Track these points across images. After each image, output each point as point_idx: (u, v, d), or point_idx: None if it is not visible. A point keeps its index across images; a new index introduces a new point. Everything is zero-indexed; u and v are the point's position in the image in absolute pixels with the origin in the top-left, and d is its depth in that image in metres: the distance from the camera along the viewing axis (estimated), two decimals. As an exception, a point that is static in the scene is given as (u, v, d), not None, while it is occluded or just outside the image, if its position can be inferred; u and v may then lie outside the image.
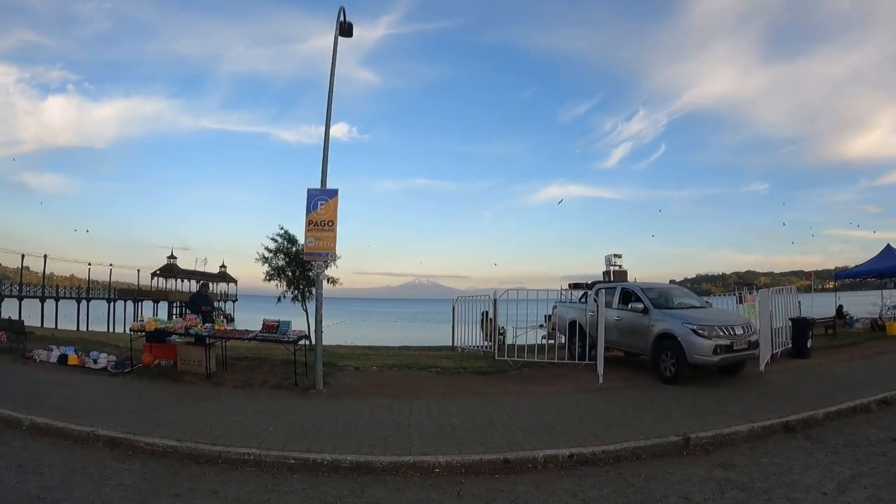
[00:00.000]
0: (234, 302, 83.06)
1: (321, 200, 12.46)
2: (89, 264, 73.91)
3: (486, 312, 18.53)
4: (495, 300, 17.38)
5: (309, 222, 12.43)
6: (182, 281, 79.93)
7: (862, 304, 31.34)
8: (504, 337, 18.09)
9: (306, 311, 19.79)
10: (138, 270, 78.59)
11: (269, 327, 13.21)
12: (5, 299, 56.53)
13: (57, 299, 64.54)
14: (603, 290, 14.52)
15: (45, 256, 65.07)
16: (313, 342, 12.90)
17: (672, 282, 22.94)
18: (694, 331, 12.42)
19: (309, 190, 12.57)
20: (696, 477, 6.84)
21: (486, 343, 18.55)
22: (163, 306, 71.56)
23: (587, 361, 14.34)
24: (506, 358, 15.61)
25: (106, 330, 49.59)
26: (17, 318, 21.22)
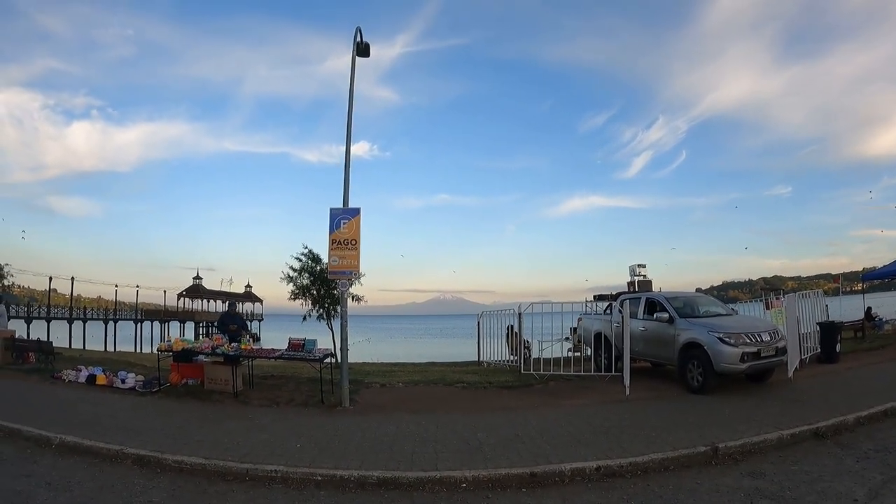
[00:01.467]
0: (259, 321, 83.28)
1: (344, 219, 12.54)
2: (116, 286, 74.50)
3: (511, 326, 18.51)
4: (520, 314, 17.36)
5: (332, 241, 12.50)
6: (208, 301, 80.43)
7: (892, 305, 30.94)
8: (529, 351, 18.06)
9: (332, 329, 19.84)
10: (164, 291, 79.12)
11: (295, 346, 13.26)
12: (34, 321, 57.24)
13: (84, 320, 65.22)
14: (628, 301, 14.46)
15: (73, 279, 65.80)
16: (339, 360, 12.95)
17: (698, 290, 22.78)
18: (720, 339, 12.31)
19: (331, 209, 12.66)
20: (725, 487, 6.77)
21: (511, 357, 18.53)
22: (189, 326, 71.88)
23: (613, 373, 14.30)
24: (531, 372, 15.56)
25: (133, 350, 49.91)
26: (46, 340, 21.42)
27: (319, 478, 7.30)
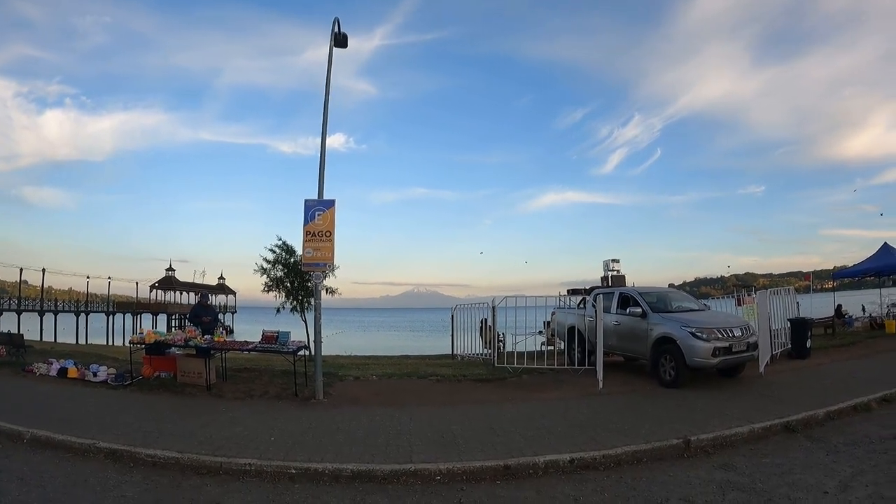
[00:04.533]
0: (233, 313, 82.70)
1: (318, 211, 12.47)
2: (88, 277, 73.75)
3: (485, 320, 18.52)
4: (494, 307, 17.36)
5: (307, 233, 12.43)
6: (181, 293, 79.75)
7: (860, 303, 31.42)
8: (503, 344, 18.09)
9: (305, 322, 19.79)
10: (137, 283, 78.40)
11: (268, 338, 13.19)
12: (4, 313, 56.53)
13: (56, 313, 64.42)
14: (601, 296, 14.47)
15: (44, 270, 65.02)
16: (313, 352, 12.90)
17: (671, 285, 23.00)
18: (692, 334, 12.43)
19: (306, 201, 12.58)
20: (698, 479, 6.85)
21: (485, 350, 18.56)
22: (162, 319, 71.45)
23: (587, 367, 14.38)
24: (505, 365, 15.59)
25: (105, 343, 49.60)
26: (17, 332, 21.16)
27: (294, 471, 7.27)
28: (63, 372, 14.09)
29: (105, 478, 7.19)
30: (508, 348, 17.68)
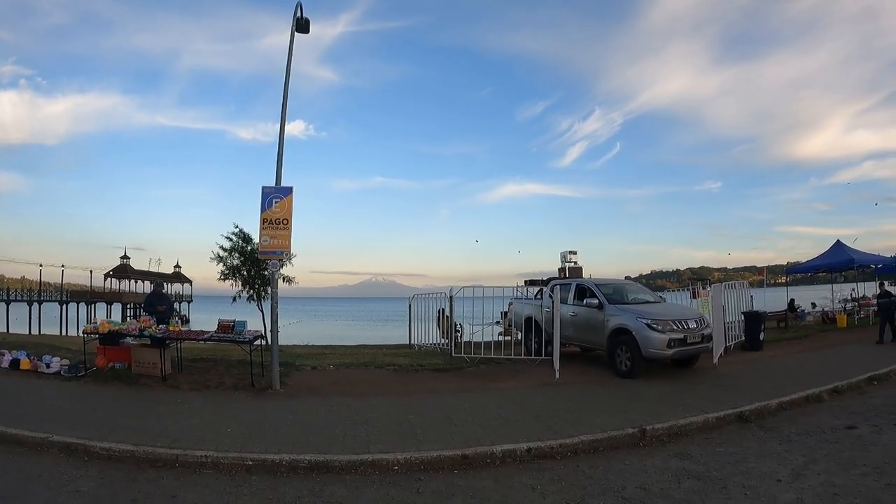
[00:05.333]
0: (189, 303, 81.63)
1: (276, 198, 12.34)
2: (41, 265, 72.63)
3: (443, 310, 18.54)
4: (451, 297, 17.40)
5: (263, 220, 12.30)
6: (136, 282, 78.60)
7: (813, 298, 32.01)
8: (461, 334, 18.14)
9: (262, 311, 19.67)
10: (91, 271, 77.11)
11: (224, 327, 13.05)
12: None
13: (8, 302, 63.21)
14: (558, 287, 14.55)
15: None
16: (269, 342, 12.80)
17: (627, 278, 23.13)
18: (648, 325, 12.59)
19: (263, 188, 12.44)
20: (653, 467, 6.93)
21: (443, 340, 18.58)
22: (116, 308, 70.26)
23: (543, 357, 14.46)
24: (462, 355, 15.64)
25: (59, 333, 48.65)
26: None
27: (251, 462, 7.19)
28: (15, 364, 13.77)
29: (59, 472, 7.02)
30: (466, 338, 17.72)
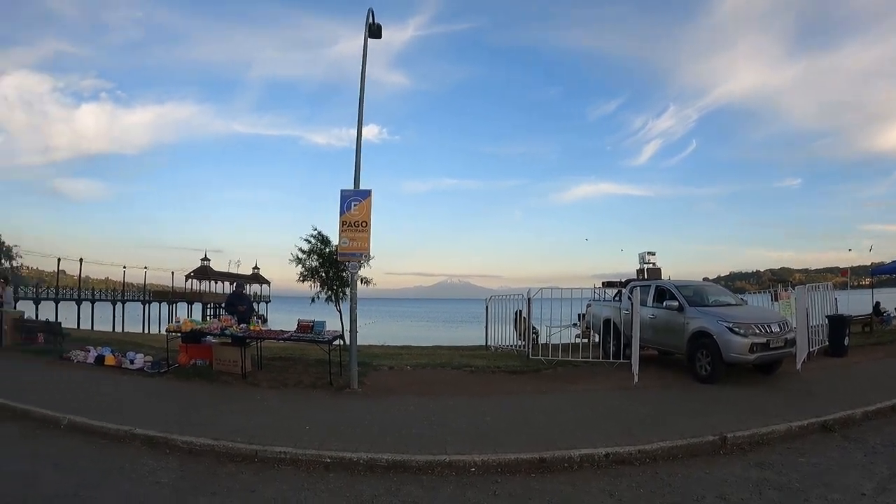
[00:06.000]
0: (267, 303, 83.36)
1: (355, 201, 12.51)
2: (124, 267, 75.27)
3: (520, 311, 18.49)
4: (529, 299, 17.32)
5: (343, 223, 12.48)
6: (215, 283, 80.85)
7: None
8: (537, 336, 18.04)
9: (340, 312, 19.84)
10: (172, 273, 79.73)
11: (303, 327, 13.29)
12: (42, 302, 57.77)
13: (93, 301, 66.25)
14: (637, 288, 14.37)
15: (81, 260, 66.94)
16: (347, 342, 12.96)
17: (705, 279, 22.60)
18: (730, 328, 12.30)
19: (342, 191, 12.63)
20: (733, 477, 6.78)
21: (519, 342, 18.52)
22: (197, 307, 72.51)
23: (622, 360, 14.25)
24: (540, 357, 15.57)
25: (141, 331, 50.23)
26: (55, 320, 21.52)
27: (328, 460, 7.30)
28: (100, 359, 14.34)
29: (141, 464, 7.27)
30: (542, 340, 17.61)
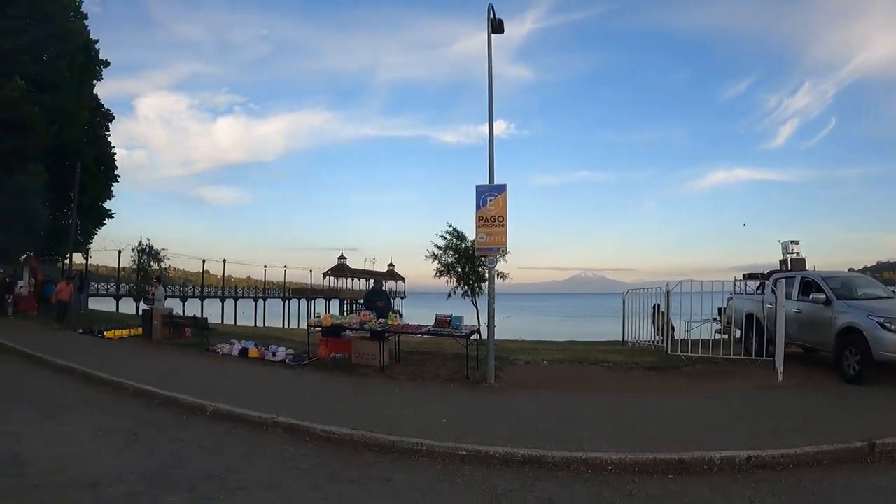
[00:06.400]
0: (402, 299, 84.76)
1: (490, 196, 12.65)
2: (265, 266, 79.31)
3: (658, 305, 18.21)
4: (668, 293, 17.03)
5: (479, 218, 12.65)
6: (352, 280, 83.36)
7: None
8: (674, 331, 17.70)
9: (476, 307, 20.07)
10: (311, 271, 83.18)
11: (441, 322, 13.56)
12: (189, 300, 62.36)
13: (236, 299, 71.28)
14: (782, 280, 13.87)
15: (224, 261, 71.36)
16: (484, 336, 13.12)
17: (851, 270, 21.45)
18: (881, 324, 11.59)
19: (477, 186, 12.80)
20: (882, 488, 6.45)
21: (657, 337, 18.24)
22: (334, 304, 74.86)
23: (764, 358, 13.77)
24: (678, 353, 15.26)
25: (281, 326, 52.37)
26: (201, 316, 22.83)
27: (464, 453, 7.41)
28: (244, 352, 15.27)
29: (281, 450, 7.72)
30: (680, 336, 17.26)
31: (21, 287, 29.14)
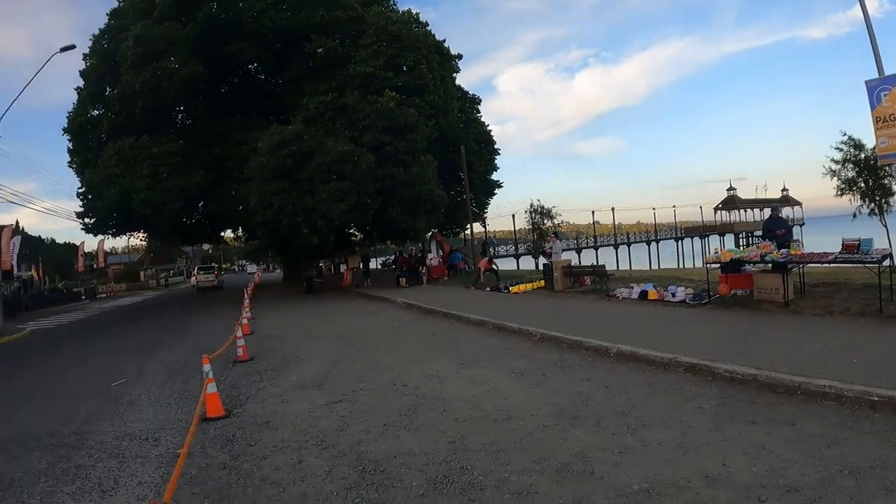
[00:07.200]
0: (801, 226, 79.08)
1: (883, 91, 10.88)
2: (653, 209, 78.60)
3: None
4: None
5: (876, 119, 10.96)
6: (744, 211, 79.61)
7: None
8: None
9: (885, 226, 17.86)
10: (700, 207, 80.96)
11: (849, 247, 12.02)
12: (583, 251, 65.50)
13: (628, 244, 72.40)
14: None
15: (613, 209, 72.84)
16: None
17: None
18: None
19: (866, 82, 11.12)
20: None
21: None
22: (728, 238, 72.26)
23: None
24: None
25: (676, 266, 51.88)
26: (598, 264, 23.42)
27: (875, 398, 6.23)
28: (643, 294, 15.30)
29: (683, 389, 7.57)
30: None
31: (431, 258, 34.20)
